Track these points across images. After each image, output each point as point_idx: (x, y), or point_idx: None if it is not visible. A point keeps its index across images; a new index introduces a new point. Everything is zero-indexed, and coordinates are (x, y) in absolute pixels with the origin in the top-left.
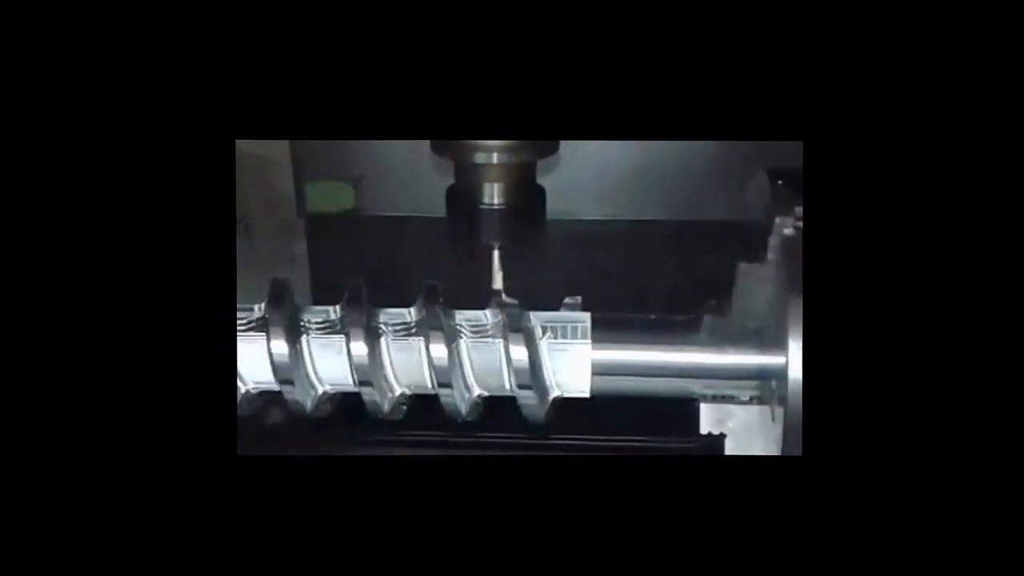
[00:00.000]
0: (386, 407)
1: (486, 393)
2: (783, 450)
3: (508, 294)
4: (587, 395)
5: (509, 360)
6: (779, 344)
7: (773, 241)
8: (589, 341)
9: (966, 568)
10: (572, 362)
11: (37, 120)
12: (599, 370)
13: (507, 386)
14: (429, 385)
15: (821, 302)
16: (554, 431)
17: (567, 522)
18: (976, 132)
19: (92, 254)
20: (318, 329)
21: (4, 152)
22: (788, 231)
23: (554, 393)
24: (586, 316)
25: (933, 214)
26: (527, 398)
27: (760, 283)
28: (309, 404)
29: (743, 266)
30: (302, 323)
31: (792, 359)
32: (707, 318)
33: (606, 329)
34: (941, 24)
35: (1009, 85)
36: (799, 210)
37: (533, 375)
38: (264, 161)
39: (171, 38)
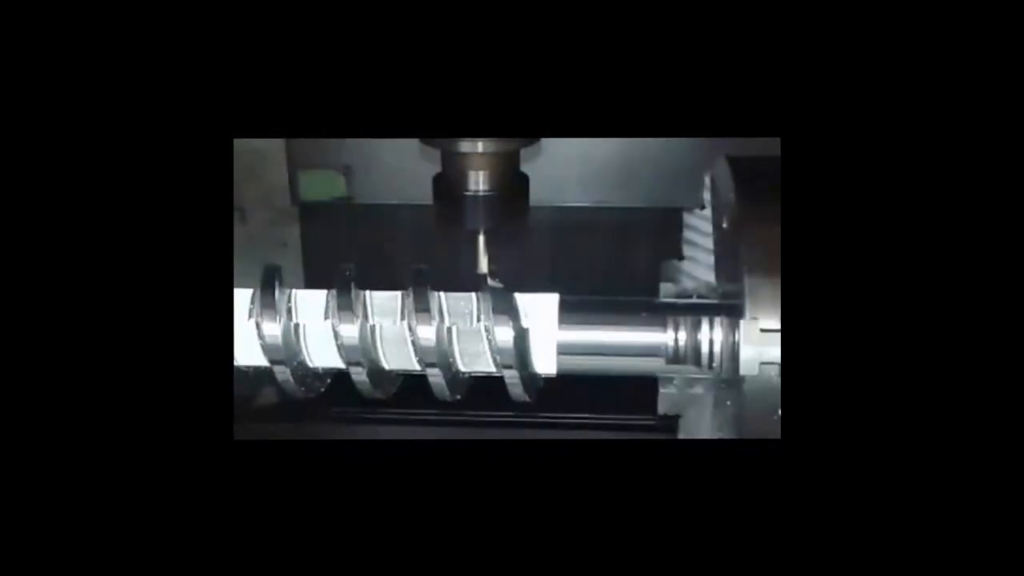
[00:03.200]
0: (375, 387)
1: (472, 373)
2: (738, 427)
3: (493, 278)
4: (554, 374)
5: (494, 341)
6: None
7: (707, 182)
8: (556, 322)
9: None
10: (539, 342)
11: (71, 116)
12: (565, 350)
13: (492, 366)
14: (417, 365)
15: (799, 294)
16: (537, 408)
17: (554, 505)
18: (952, 125)
19: (98, 244)
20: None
21: (17, 151)
22: (715, 171)
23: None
24: (554, 298)
25: (909, 207)
26: (512, 377)
27: (703, 233)
28: (300, 384)
29: (685, 214)
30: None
31: (744, 339)
32: (663, 263)
33: (572, 310)
34: (918, 22)
35: (988, 83)
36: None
37: (518, 355)
38: (259, 152)
39: (178, 44)
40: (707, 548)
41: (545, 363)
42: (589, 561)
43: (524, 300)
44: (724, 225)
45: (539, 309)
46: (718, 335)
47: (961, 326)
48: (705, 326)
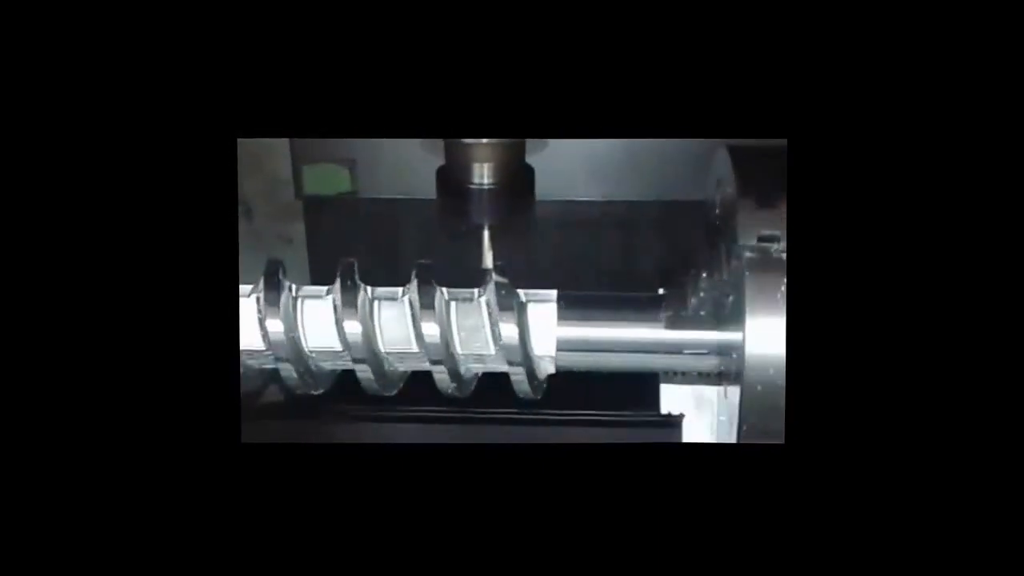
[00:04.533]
0: (380, 384)
1: (477, 369)
2: (739, 426)
3: (498, 272)
4: (552, 371)
5: (499, 336)
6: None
7: (735, 264)
8: (555, 318)
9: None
10: (538, 339)
11: (76, 116)
12: (564, 346)
13: (497, 361)
14: (421, 361)
15: (805, 295)
16: (541, 405)
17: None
18: (956, 127)
19: (103, 245)
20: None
21: (23, 149)
22: (749, 254)
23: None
24: (552, 294)
25: (914, 208)
26: (518, 374)
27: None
28: (303, 380)
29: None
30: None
31: (749, 336)
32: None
33: (571, 307)
34: (923, 23)
35: (991, 86)
36: (765, 231)
37: (523, 351)
38: (263, 146)
39: (182, 43)
40: (709, 551)
41: (544, 360)
42: (592, 562)
43: (523, 296)
44: (717, 211)
45: (538, 305)
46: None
47: (968, 328)
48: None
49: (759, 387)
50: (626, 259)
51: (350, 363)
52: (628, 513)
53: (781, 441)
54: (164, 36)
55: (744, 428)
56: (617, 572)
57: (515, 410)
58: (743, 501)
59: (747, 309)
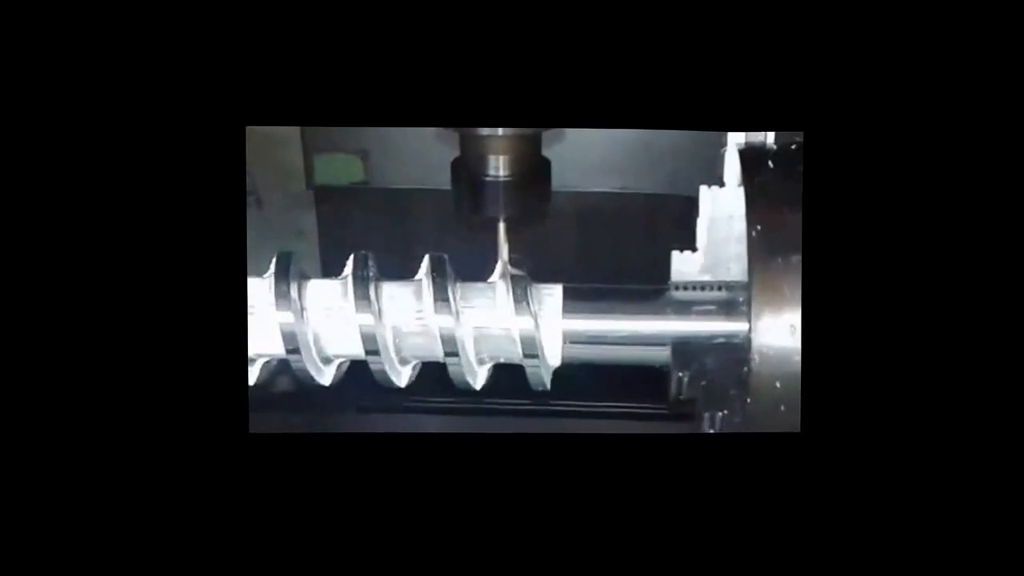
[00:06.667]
0: (393, 376)
1: (492, 361)
2: (749, 413)
3: (513, 265)
4: (558, 363)
5: (512, 328)
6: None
7: (728, 164)
8: (560, 311)
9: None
10: (545, 332)
11: (84, 107)
12: (570, 339)
13: (512, 354)
14: (436, 354)
15: (821, 287)
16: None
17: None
18: (969, 122)
19: (110, 236)
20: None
21: (34, 140)
22: (738, 144)
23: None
24: (558, 288)
25: (929, 202)
26: (532, 365)
27: (723, 217)
28: (317, 373)
29: (703, 189)
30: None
31: (756, 327)
32: (675, 253)
33: (578, 299)
34: (936, 18)
35: (1002, 83)
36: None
37: (537, 343)
38: (274, 135)
39: (192, 33)
40: (723, 539)
41: (550, 352)
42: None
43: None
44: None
45: (544, 299)
46: None
47: (982, 325)
48: None
49: (768, 377)
50: (640, 251)
51: (362, 354)
52: (643, 502)
53: (796, 429)
54: (175, 25)
55: (756, 417)
56: (629, 560)
57: (527, 401)
58: (757, 487)
59: (754, 296)
